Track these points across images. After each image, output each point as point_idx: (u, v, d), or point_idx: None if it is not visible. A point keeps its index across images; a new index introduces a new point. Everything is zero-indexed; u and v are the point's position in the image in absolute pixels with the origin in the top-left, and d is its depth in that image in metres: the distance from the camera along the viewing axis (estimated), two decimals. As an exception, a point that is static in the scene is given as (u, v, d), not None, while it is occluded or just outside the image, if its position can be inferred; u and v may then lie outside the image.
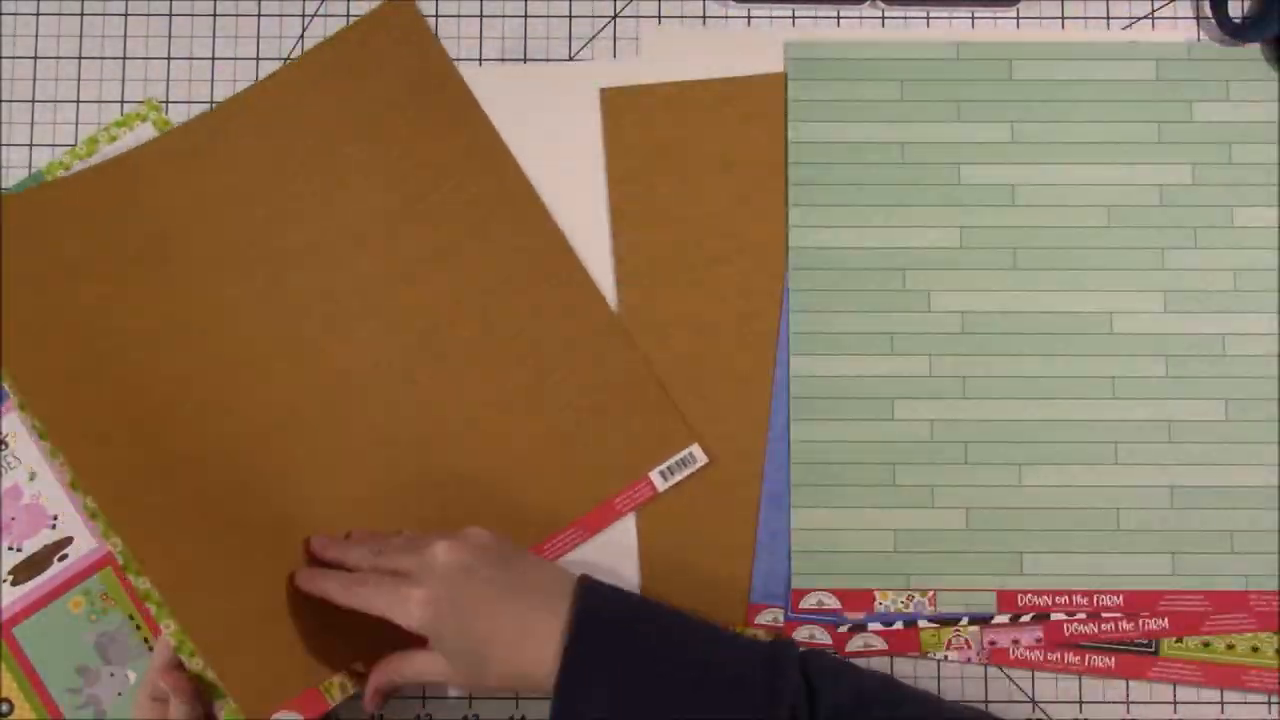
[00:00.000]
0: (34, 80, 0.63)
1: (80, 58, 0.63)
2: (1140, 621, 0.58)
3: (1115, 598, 0.59)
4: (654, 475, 0.59)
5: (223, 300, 0.58)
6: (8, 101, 0.63)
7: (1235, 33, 0.62)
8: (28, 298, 0.54)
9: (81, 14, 0.63)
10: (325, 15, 0.63)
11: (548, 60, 0.63)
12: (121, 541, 0.52)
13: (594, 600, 0.50)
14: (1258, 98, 0.61)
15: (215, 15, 0.63)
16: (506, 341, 0.59)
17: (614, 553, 0.59)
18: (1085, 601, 0.59)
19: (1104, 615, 0.58)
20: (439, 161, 0.60)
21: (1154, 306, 0.60)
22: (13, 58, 0.63)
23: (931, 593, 0.59)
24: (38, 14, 0.63)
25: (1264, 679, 0.58)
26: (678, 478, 0.59)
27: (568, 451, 0.59)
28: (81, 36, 0.63)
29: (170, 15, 0.63)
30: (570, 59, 0.63)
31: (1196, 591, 0.58)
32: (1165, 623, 0.58)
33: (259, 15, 0.63)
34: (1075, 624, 0.58)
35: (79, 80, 0.63)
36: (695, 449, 0.59)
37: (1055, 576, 0.59)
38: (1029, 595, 0.59)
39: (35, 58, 0.63)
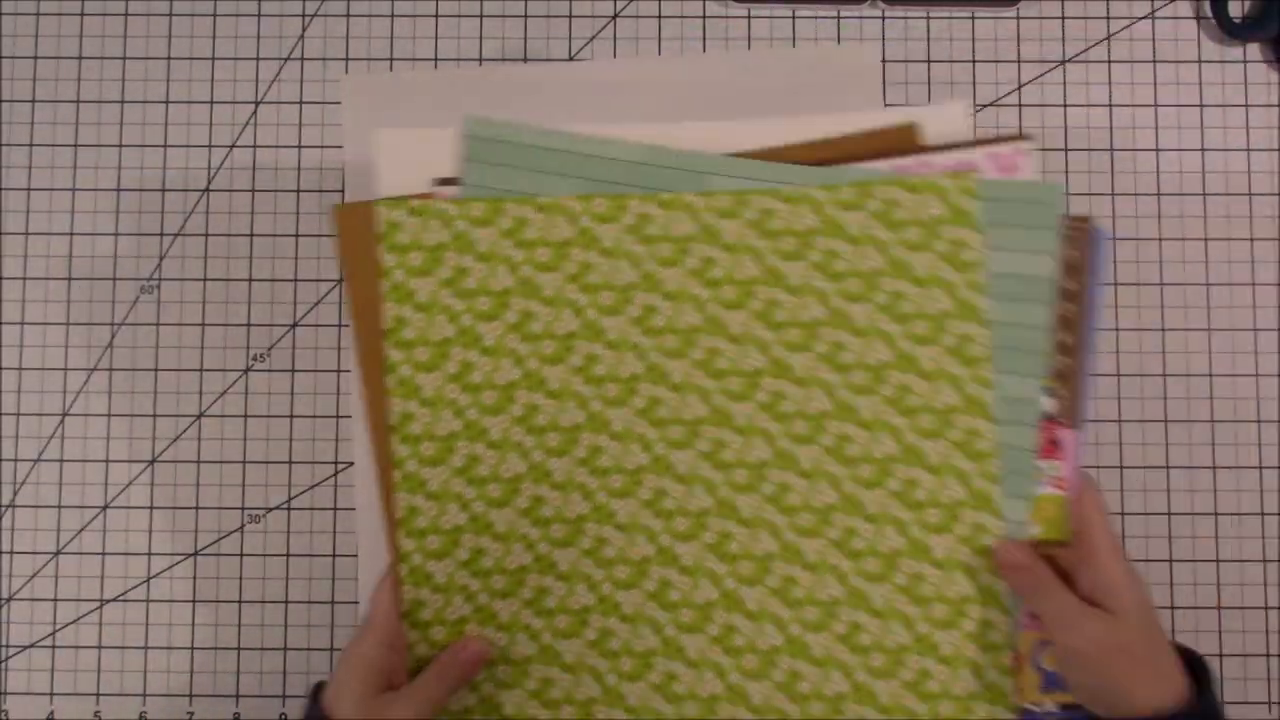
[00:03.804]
0: (34, 80, 0.63)
1: (80, 58, 0.63)
2: None
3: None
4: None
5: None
6: (8, 101, 0.63)
7: (1235, 33, 0.62)
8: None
9: (81, 14, 0.63)
10: (325, 15, 0.63)
11: (547, 60, 0.63)
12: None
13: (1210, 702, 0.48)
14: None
15: (215, 15, 0.63)
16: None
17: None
18: None
19: None
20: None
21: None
22: (13, 58, 0.63)
23: None
24: (38, 14, 0.63)
25: None
26: None
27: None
28: (81, 36, 0.63)
29: (170, 15, 0.63)
30: (570, 59, 0.63)
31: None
32: None
33: (259, 15, 0.63)
34: None
35: (79, 80, 0.63)
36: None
37: None
38: None
39: (35, 58, 0.63)
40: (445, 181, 0.53)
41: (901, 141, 0.53)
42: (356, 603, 0.61)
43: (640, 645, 0.53)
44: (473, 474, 0.53)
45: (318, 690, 0.51)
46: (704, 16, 0.63)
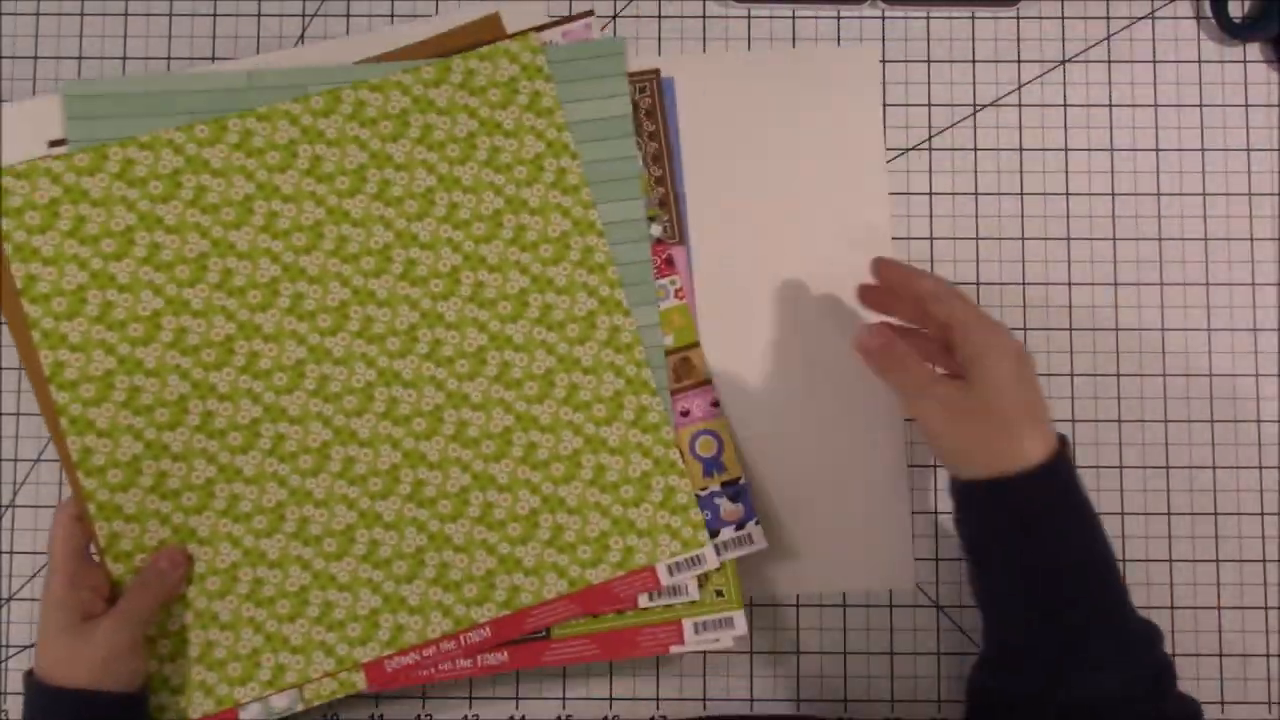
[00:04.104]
0: (34, 80, 0.63)
1: (80, 58, 0.63)
2: (479, 659, 0.57)
3: (483, 631, 0.56)
4: (660, 568, 0.57)
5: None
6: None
7: (1235, 33, 0.62)
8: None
9: (81, 14, 0.63)
10: (325, 15, 0.63)
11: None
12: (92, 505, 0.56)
13: (1065, 467, 0.50)
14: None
15: (216, 15, 0.63)
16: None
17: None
18: (454, 646, 0.56)
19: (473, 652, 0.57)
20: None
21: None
22: (13, 58, 0.63)
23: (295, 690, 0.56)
24: (38, 14, 0.63)
25: (657, 636, 0.57)
26: (682, 577, 0.57)
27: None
28: (81, 36, 0.63)
29: (170, 15, 0.63)
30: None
31: (562, 597, 0.56)
32: (504, 655, 0.57)
33: (259, 15, 0.63)
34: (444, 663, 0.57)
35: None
36: (708, 551, 0.57)
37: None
38: (396, 659, 0.56)
39: (35, 58, 0.63)
40: (56, 143, 0.58)
41: (487, 32, 0.60)
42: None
43: (338, 523, 0.57)
44: (137, 404, 0.56)
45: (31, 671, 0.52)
46: (704, 16, 0.63)
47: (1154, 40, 0.63)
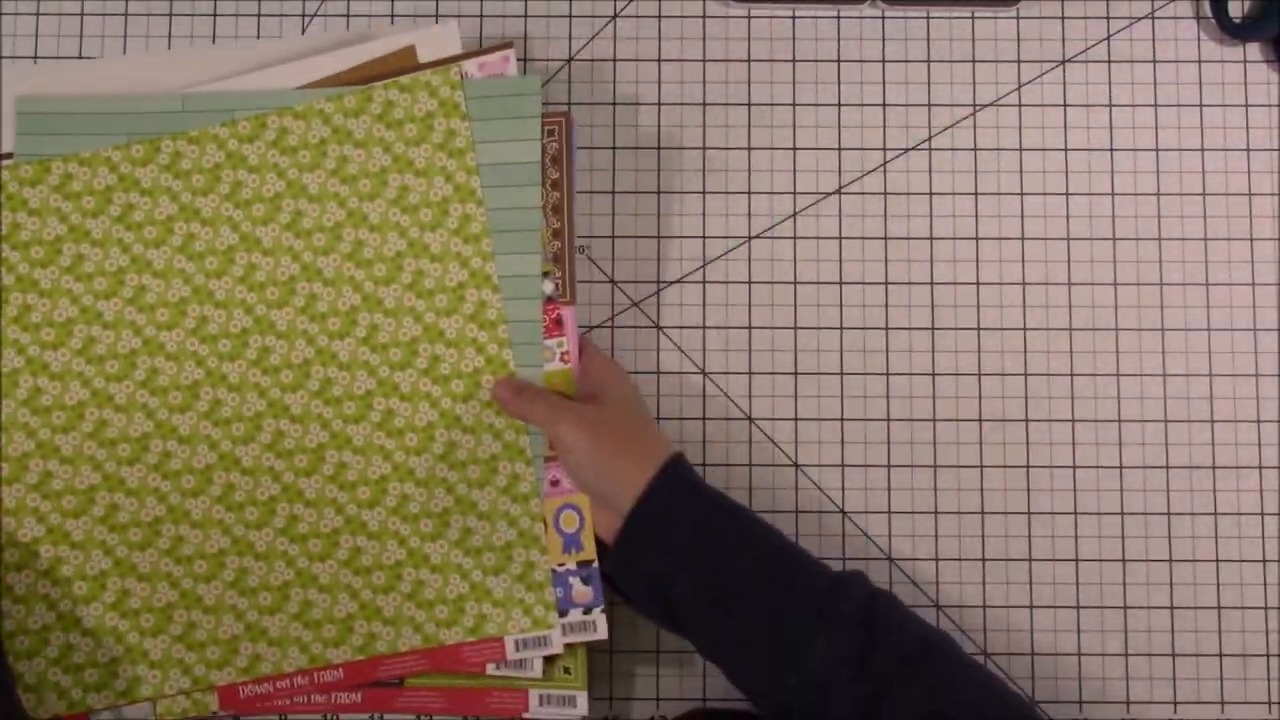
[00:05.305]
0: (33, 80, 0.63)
1: (80, 58, 0.63)
2: (333, 696, 0.58)
3: (336, 672, 0.57)
4: (508, 642, 0.57)
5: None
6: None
7: (1235, 33, 0.62)
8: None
9: (81, 14, 0.63)
10: (325, 15, 0.63)
11: (547, 60, 0.63)
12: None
13: (685, 468, 0.54)
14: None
15: (215, 15, 0.63)
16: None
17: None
18: (306, 683, 0.57)
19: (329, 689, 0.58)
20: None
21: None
22: (13, 57, 0.63)
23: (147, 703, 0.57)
24: (38, 14, 0.63)
25: (504, 700, 0.57)
26: (528, 653, 0.57)
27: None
28: (81, 36, 0.63)
29: (170, 15, 0.63)
30: (570, 59, 0.63)
31: (415, 651, 0.57)
32: (358, 697, 0.58)
33: (259, 15, 0.63)
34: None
35: None
36: (555, 634, 0.57)
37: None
38: (250, 686, 0.57)
39: (35, 57, 0.63)
40: (4, 157, 0.59)
41: (403, 62, 0.60)
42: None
43: (211, 546, 0.57)
44: (36, 404, 0.58)
45: None
46: (704, 16, 0.63)
47: (1154, 40, 0.63)
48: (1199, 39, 0.63)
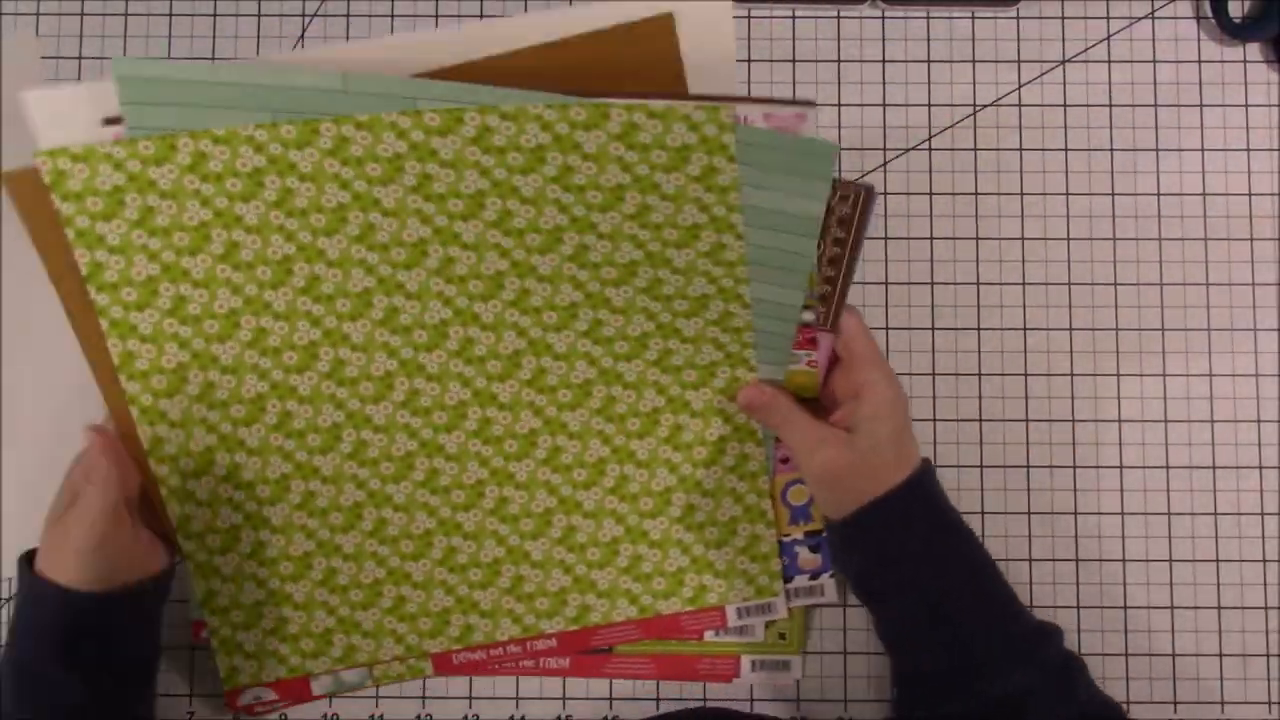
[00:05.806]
0: (33, 80, 0.63)
1: (80, 58, 0.63)
2: (541, 660, 0.59)
3: (550, 641, 0.59)
4: (730, 610, 0.59)
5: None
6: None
7: (1235, 33, 0.62)
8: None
9: (81, 14, 0.63)
10: (325, 15, 0.63)
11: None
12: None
13: (934, 480, 0.54)
14: None
15: (215, 15, 0.63)
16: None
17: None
18: (519, 650, 0.59)
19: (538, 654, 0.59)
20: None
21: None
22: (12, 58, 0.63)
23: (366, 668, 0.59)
24: (38, 14, 0.63)
25: (715, 666, 0.59)
26: (751, 620, 0.59)
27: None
28: (81, 36, 0.63)
29: (170, 15, 0.63)
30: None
31: (630, 621, 0.59)
32: (565, 662, 0.59)
33: (259, 15, 0.63)
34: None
35: (79, 80, 0.63)
36: (779, 601, 0.59)
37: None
38: (463, 654, 0.59)
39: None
40: (111, 121, 0.52)
41: (656, 40, 0.54)
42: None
43: (417, 527, 0.57)
44: (211, 399, 0.55)
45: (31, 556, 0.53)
46: (704, 16, 0.63)
47: (1154, 40, 0.63)
48: (1199, 39, 0.63)
